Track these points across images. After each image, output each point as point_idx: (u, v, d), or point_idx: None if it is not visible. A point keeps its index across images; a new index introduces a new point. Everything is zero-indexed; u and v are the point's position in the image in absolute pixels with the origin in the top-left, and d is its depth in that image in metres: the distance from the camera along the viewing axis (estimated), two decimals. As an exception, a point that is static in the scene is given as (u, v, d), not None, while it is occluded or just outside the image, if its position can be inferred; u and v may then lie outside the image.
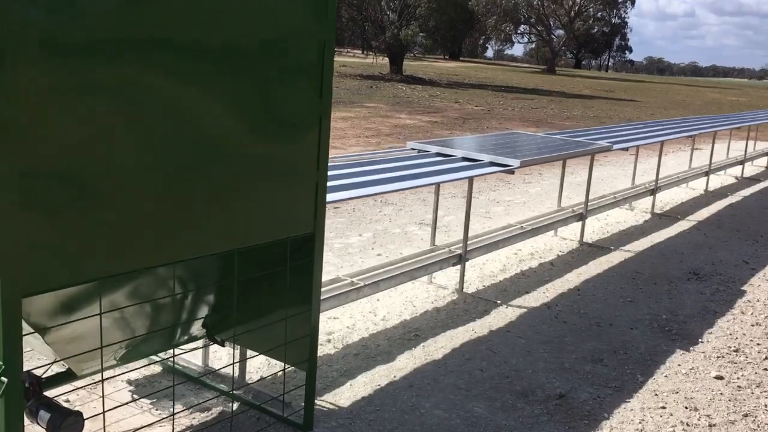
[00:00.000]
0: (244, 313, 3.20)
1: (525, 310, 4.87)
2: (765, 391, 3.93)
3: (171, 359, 3.57)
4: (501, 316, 4.72)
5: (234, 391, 3.39)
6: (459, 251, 5.03)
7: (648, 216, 8.09)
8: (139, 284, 2.71)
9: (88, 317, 2.51)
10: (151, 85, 2.26)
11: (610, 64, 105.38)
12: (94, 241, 2.22)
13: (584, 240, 6.72)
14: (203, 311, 3.24)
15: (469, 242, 5.11)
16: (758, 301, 5.45)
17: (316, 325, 3.11)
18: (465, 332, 4.41)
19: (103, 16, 2.10)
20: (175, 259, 2.47)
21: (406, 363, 3.93)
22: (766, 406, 3.76)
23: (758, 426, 3.54)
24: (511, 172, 4.82)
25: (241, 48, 2.51)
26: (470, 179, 4.73)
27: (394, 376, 3.75)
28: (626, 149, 6.52)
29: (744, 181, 11.11)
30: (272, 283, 3.12)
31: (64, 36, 2.02)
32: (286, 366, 3.32)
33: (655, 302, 5.24)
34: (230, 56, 2.48)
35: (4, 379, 2.04)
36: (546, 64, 67.94)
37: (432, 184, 4.24)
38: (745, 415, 3.64)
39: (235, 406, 3.32)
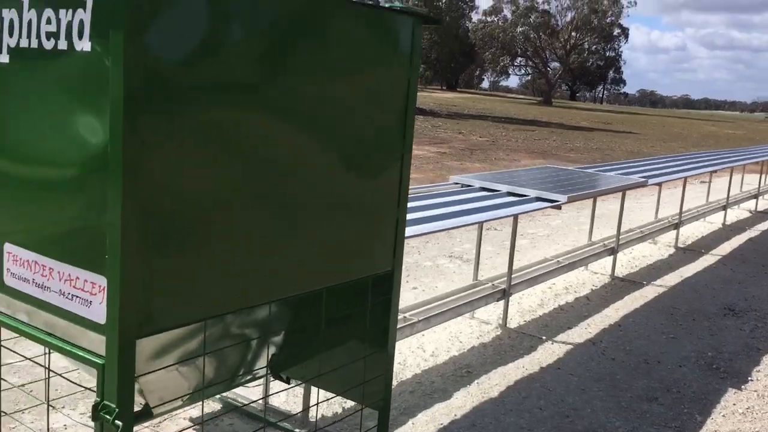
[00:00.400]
0: (317, 352, 3.15)
1: (571, 346, 4.83)
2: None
3: (231, 396, 3.51)
4: (548, 353, 4.67)
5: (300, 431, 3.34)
6: (503, 286, 5.00)
7: (672, 250, 8.09)
8: (219, 325, 2.68)
9: (192, 358, 2.48)
10: (262, 127, 2.26)
11: (604, 96, 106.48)
12: (203, 282, 2.19)
13: (615, 274, 6.70)
14: (271, 350, 3.19)
15: (512, 277, 5.09)
16: (798, 338, 5.43)
17: (391, 363, 3.07)
18: (516, 369, 4.37)
19: (221, 63, 2.10)
20: (272, 297, 2.44)
21: (464, 401, 3.87)
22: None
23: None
24: (558, 207, 4.81)
25: (339, 89, 2.51)
26: (515, 215, 4.72)
27: (455, 415, 3.70)
28: (659, 184, 6.54)
29: (758, 215, 11.14)
30: (347, 322, 3.08)
31: (189, 81, 2.01)
32: (353, 404, 3.27)
33: (698, 339, 5.20)
34: (329, 98, 2.48)
35: (119, 423, 2.00)
36: (542, 95, 68.64)
37: (489, 220, 4.22)
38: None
39: (302, 445, 3.26)
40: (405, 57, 2.77)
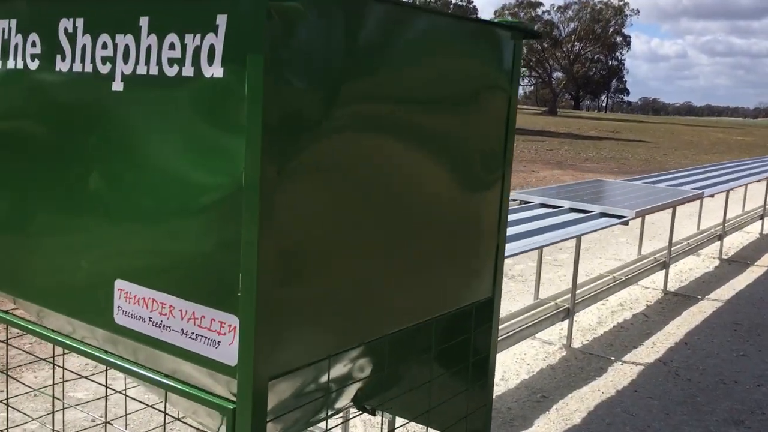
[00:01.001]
0: (413, 383, 3.02)
1: (642, 366, 4.68)
2: None
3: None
4: (620, 374, 4.53)
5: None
6: (566, 305, 4.86)
7: (717, 262, 7.94)
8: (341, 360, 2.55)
9: (314, 395, 2.35)
10: (388, 154, 2.15)
11: (607, 104, 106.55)
12: (329, 317, 2.06)
13: (667, 288, 6.56)
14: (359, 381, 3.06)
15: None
16: None
17: (491, 393, 2.93)
18: (592, 392, 4.22)
19: (352, 90, 1.99)
20: (390, 330, 2.31)
21: (546, 428, 3.73)
22: None
23: None
24: (626, 222, 4.68)
25: (453, 112, 2.40)
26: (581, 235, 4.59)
27: (543, 444, 3.56)
28: (713, 195, 6.41)
29: (792, 224, 11.00)
30: (446, 351, 2.95)
31: (322, 108, 1.90)
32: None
33: (767, 356, 5.06)
34: (444, 121, 2.37)
35: (254, 471, 1.87)
36: (546, 105, 68.62)
37: (564, 239, 4.09)
38: None
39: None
40: (507, 74, 2.66)
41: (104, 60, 2.04)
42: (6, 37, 2.28)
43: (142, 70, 1.96)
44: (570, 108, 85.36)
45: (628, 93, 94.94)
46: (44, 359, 2.91)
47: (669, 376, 4.55)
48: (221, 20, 1.78)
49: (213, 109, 1.83)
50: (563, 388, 4.24)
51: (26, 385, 3.52)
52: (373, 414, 3.27)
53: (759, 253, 8.59)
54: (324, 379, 2.48)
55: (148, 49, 1.94)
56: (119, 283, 2.10)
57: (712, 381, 4.53)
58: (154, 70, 1.94)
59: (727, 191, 7.58)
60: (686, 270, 7.45)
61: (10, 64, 2.28)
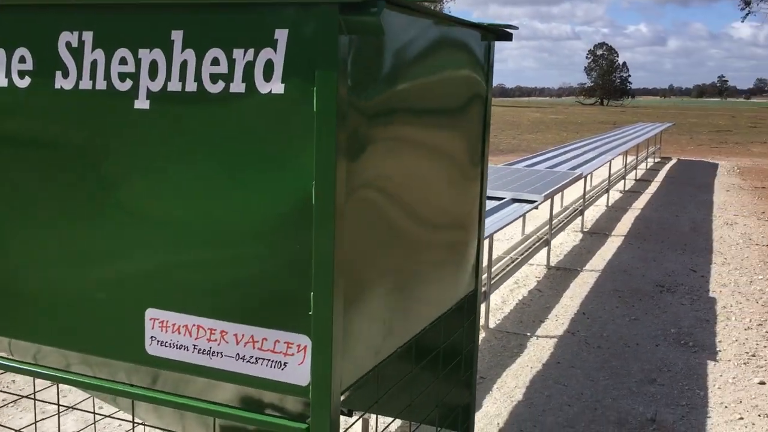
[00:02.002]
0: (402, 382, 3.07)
1: (555, 339, 5.01)
2: (805, 390, 4.32)
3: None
4: (540, 349, 4.82)
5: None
6: (483, 288, 5.08)
7: (581, 235, 8.57)
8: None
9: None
10: (421, 162, 2.22)
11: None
12: (377, 328, 2.08)
13: (550, 264, 7.01)
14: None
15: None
16: (732, 307, 5.95)
17: (475, 383, 3.05)
18: (522, 368, 4.47)
19: (399, 101, 2.02)
20: (415, 333, 2.36)
21: (497, 408, 3.91)
22: (817, 403, 4.14)
23: (825, 423, 3.89)
24: (536, 207, 4.96)
25: (455, 110, 2.48)
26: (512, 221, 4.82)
27: (499, 423, 3.73)
28: (590, 173, 6.91)
29: (628, 194, 12.05)
30: (435, 347, 3.03)
31: (376, 122, 1.92)
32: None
33: (654, 318, 5.57)
34: (453, 124, 2.46)
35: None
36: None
37: (506, 225, 4.27)
38: (810, 415, 3.99)
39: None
40: (485, 75, 2.76)
41: (122, 76, 1.92)
42: (-19, 52, 2.05)
43: (175, 86, 1.87)
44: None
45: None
46: (26, 396, 2.68)
47: (581, 345, 4.90)
48: (281, 35, 1.74)
49: (273, 125, 1.79)
50: (496, 368, 4.46)
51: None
52: (350, 415, 3.29)
53: (611, 223, 9.37)
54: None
55: (183, 64, 1.85)
56: (151, 312, 1.99)
57: (618, 346, 4.94)
58: (191, 87, 1.85)
59: (592, 170, 8.21)
60: (558, 245, 7.99)
61: (-10, 82, 2.06)
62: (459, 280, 2.72)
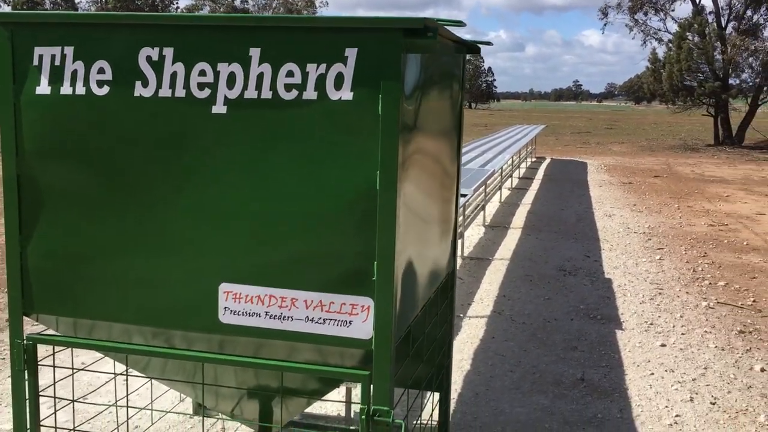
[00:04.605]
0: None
1: (485, 318, 5.59)
2: (700, 348, 5.09)
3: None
4: (475, 327, 5.38)
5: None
6: (418, 275, 5.58)
7: (483, 228, 9.28)
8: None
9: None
10: (435, 151, 2.67)
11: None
12: (414, 285, 2.53)
13: (464, 255, 7.63)
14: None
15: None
16: (625, 285, 6.76)
17: (452, 348, 3.53)
18: (465, 344, 5.00)
19: (427, 105, 2.48)
20: (432, 290, 2.84)
21: (452, 377, 4.41)
22: (710, 358, 4.91)
23: (721, 369, 4.65)
24: (467, 200, 5.51)
25: (448, 119, 2.97)
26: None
27: (456, 389, 4.24)
28: (500, 169, 7.57)
29: (516, 191, 12.97)
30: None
31: (415, 120, 2.36)
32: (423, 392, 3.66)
33: (564, 297, 6.28)
34: (447, 128, 2.94)
35: (400, 421, 2.29)
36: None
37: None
38: (705, 368, 4.74)
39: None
40: (460, 83, 3.25)
41: (201, 86, 2.26)
42: (58, 63, 2.33)
43: (251, 94, 2.23)
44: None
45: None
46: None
47: (508, 322, 5.51)
48: (350, 53, 2.16)
49: (342, 124, 2.19)
50: (440, 344, 4.97)
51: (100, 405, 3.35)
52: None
53: (508, 217, 10.16)
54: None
55: (260, 76, 2.22)
56: (225, 286, 2.34)
57: (539, 321, 5.58)
58: (266, 95, 2.23)
59: (501, 166, 8.91)
60: (467, 237, 8.64)
61: (66, 90, 2.34)
62: (446, 258, 3.19)
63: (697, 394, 4.32)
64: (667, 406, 4.13)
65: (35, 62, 2.36)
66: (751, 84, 27.50)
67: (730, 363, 4.82)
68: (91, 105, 2.34)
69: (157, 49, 2.27)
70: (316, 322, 2.30)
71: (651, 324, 5.62)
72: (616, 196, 12.80)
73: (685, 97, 27.88)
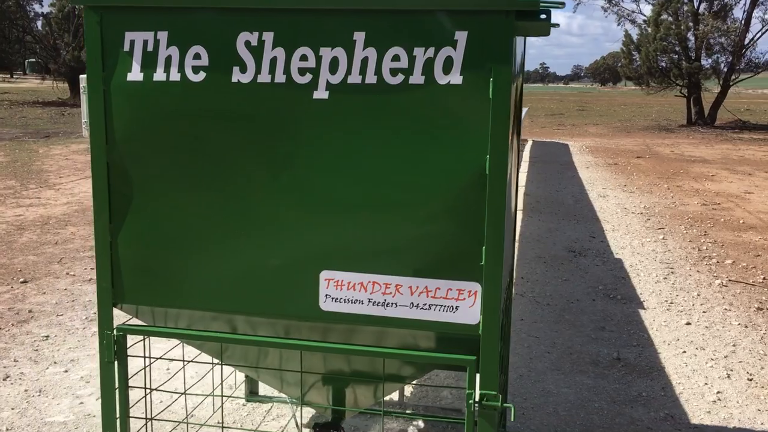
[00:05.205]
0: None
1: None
2: (724, 326, 5.18)
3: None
4: (500, 309, 5.41)
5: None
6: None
7: (485, 211, 9.30)
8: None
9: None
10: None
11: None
12: (504, 266, 2.52)
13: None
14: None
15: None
16: (637, 265, 6.85)
17: (509, 332, 3.55)
18: (494, 326, 5.03)
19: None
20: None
21: (490, 359, 4.44)
22: (736, 335, 5.00)
23: (749, 345, 4.74)
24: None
25: (518, 98, 2.94)
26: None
27: (499, 370, 4.26)
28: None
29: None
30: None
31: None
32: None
33: (580, 277, 6.34)
34: (519, 104, 2.91)
35: (510, 404, 2.30)
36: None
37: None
38: (734, 345, 4.83)
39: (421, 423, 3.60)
40: (523, 64, 3.25)
41: (302, 71, 2.22)
42: (151, 48, 2.28)
43: (354, 79, 2.21)
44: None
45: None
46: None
47: (534, 304, 5.55)
48: (460, 36, 2.14)
49: (450, 109, 2.18)
50: (472, 327, 4.99)
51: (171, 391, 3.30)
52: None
53: (506, 199, 10.20)
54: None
55: (364, 61, 2.20)
56: (326, 274, 2.32)
57: (563, 302, 5.63)
58: (371, 79, 2.21)
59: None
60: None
61: (159, 76, 2.29)
62: (512, 241, 3.21)
63: (732, 371, 4.40)
64: (706, 383, 4.20)
65: (126, 48, 2.30)
66: (723, 65, 27.89)
67: (756, 340, 4.92)
68: (185, 91, 2.29)
69: (256, 34, 2.24)
70: (422, 308, 2.29)
71: (671, 303, 5.70)
72: (605, 177, 12.93)
73: (661, 78, 28.18)
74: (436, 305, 2.28)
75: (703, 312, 5.50)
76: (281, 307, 2.36)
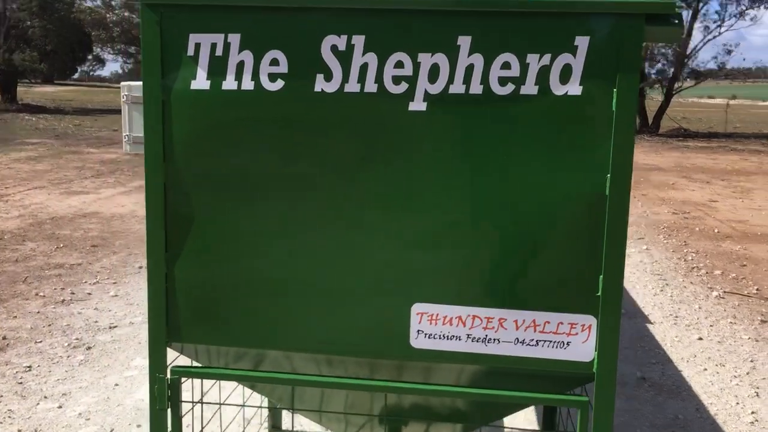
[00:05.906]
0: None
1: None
2: (736, 340, 5.09)
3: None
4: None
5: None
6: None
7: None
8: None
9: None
10: None
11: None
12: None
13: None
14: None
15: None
16: (630, 277, 6.75)
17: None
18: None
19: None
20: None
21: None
22: (750, 350, 4.91)
23: (764, 360, 4.65)
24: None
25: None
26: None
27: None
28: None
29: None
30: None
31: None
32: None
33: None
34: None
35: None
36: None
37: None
38: (751, 360, 4.74)
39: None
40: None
41: (397, 80, 1.97)
42: (220, 53, 1.99)
43: (457, 89, 1.96)
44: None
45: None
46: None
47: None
48: (581, 42, 1.92)
49: (567, 123, 1.95)
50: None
51: None
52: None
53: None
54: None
55: (469, 68, 1.95)
56: (419, 307, 2.07)
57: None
58: (476, 89, 1.97)
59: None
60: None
61: (229, 84, 2.00)
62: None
63: (758, 388, 4.29)
64: (738, 403, 4.08)
65: (190, 52, 2.00)
66: (666, 74, 28.53)
67: (771, 354, 4.85)
68: (260, 102, 2.00)
69: (344, 38, 1.97)
70: (528, 345, 2.05)
71: (676, 317, 5.60)
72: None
73: (606, 88, 28.59)
74: (545, 341, 2.05)
75: (710, 326, 5.41)
76: (365, 346, 2.09)
